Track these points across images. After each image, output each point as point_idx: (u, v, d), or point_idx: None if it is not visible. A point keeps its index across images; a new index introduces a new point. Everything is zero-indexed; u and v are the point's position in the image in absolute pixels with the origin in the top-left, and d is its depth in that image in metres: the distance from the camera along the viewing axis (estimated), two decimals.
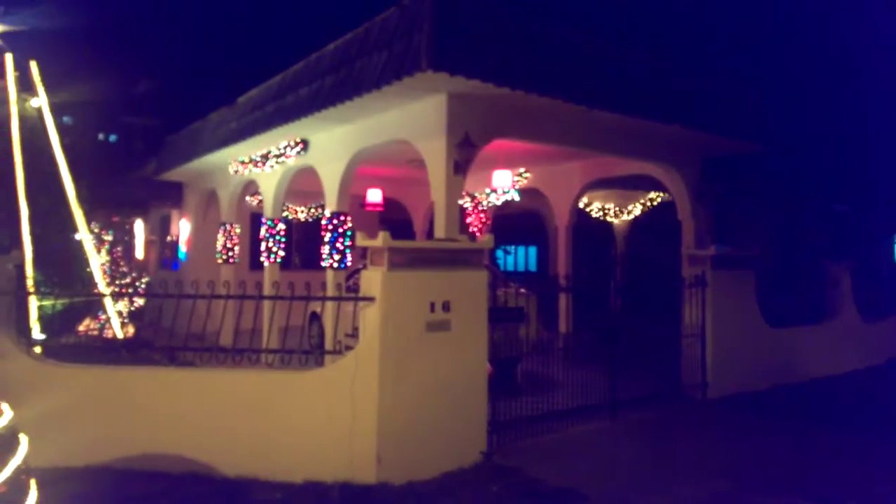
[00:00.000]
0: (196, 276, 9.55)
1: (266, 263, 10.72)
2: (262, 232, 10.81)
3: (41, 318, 7.28)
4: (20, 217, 7.60)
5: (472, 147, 6.81)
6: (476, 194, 12.41)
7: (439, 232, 6.81)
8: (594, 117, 7.72)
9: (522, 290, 7.50)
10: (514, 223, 16.93)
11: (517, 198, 10.60)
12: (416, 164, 9.82)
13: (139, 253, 18.74)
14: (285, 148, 9.93)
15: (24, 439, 2.52)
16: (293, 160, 9.97)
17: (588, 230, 13.91)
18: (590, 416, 6.55)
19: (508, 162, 10.59)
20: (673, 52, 8.67)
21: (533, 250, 19.18)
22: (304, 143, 9.59)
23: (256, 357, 6.00)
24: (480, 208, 11.89)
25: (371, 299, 4.99)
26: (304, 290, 5.37)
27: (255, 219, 14.27)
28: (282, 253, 10.73)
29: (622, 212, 14.66)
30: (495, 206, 11.75)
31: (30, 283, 7.10)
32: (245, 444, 5.06)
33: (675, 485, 4.93)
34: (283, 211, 11.43)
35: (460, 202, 8.52)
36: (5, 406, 2.52)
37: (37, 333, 7.13)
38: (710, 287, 7.96)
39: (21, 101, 8.25)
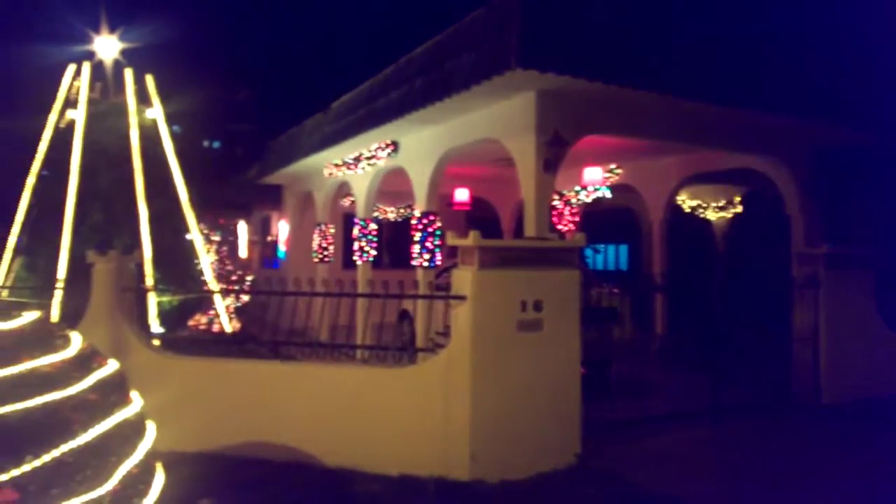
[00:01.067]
0: (295, 274, 9.99)
1: (359, 262, 11.07)
2: (355, 232, 11.17)
3: (159, 314, 7.90)
4: (140, 220, 8.27)
5: (562, 144, 6.71)
6: (565, 192, 12.22)
7: (529, 230, 6.77)
8: (692, 109, 7.39)
9: (615, 290, 7.30)
10: (604, 221, 16.50)
11: (608, 195, 10.34)
12: (504, 163, 9.80)
13: (243, 252, 19.88)
14: (376, 150, 10.21)
15: (151, 426, 2.73)
16: (383, 162, 10.23)
17: (684, 227, 13.32)
18: (689, 422, 6.28)
19: (599, 158, 10.34)
20: (776, 38, 8.11)
21: (624, 248, 18.60)
22: (395, 145, 9.82)
23: (352, 352, 6.22)
24: (570, 206, 11.69)
25: (462, 298, 5.03)
26: (395, 288, 5.50)
27: (348, 219, 14.78)
28: (373, 252, 11.05)
29: (722, 208, 13.92)
30: (585, 204, 11.51)
31: (149, 281, 7.73)
32: (343, 437, 5.24)
33: (783, 499, 4.64)
34: (374, 211, 11.76)
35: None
36: (135, 395, 2.74)
37: (155, 327, 7.74)
38: (823, 287, 7.42)
39: (139, 113, 8.97)
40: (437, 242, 9.00)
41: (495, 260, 5.04)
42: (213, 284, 9.14)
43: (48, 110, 8.89)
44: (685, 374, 6.39)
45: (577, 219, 11.70)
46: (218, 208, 15.93)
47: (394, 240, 17.02)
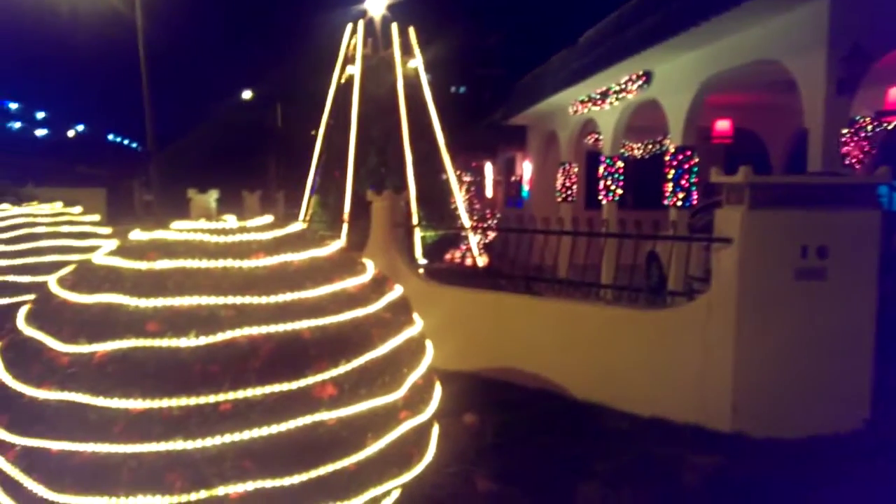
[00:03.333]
0: (537, 213, 10.22)
1: (604, 202, 10.82)
2: (601, 170, 10.89)
3: (422, 247, 8.76)
4: (406, 162, 9.14)
5: (862, 60, 5.59)
6: (858, 118, 10.26)
7: (813, 164, 5.87)
8: None
9: None
10: None
11: None
12: (777, 88, 8.55)
13: (488, 192, 20.83)
14: (626, 83, 9.69)
15: (429, 343, 3.07)
16: (634, 95, 9.68)
17: None
18: None
19: None
20: None
21: None
22: (647, 76, 9.20)
23: (597, 292, 6.19)
24: (863, 135, 9.81)
25: (727, 241, 4.61)
26: (647, 229, 5.25)
27: (591, 158, 14.44)
28: (619, 191, 10.68)
29: None
30: (885, 132, 9.55)
31: (415, 218, 8.57)
32: (591, 372, 5.30)
33: None
34: (620, 148, 11.28)
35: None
36: (416, 316, 3.09)
37: (420, 259, 8.61)
38: None
39: (403, 64, 9.76)
40: (693, 180, 8.33)
41: (769, 199, 4.48)
42: (466, 222, 9.79)
43: (332, 69, 10.18)
44: None
45: (873, 151, 9.80)
46: (468, 150, 16.84)
47: (638, 178, 16.21)
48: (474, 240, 9.91)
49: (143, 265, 2.49)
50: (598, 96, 10.69)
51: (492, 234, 12.19)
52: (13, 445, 2.29)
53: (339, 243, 3.05)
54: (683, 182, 8.36)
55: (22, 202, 6.70)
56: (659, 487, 3.73)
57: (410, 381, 2.65)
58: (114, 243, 2.87)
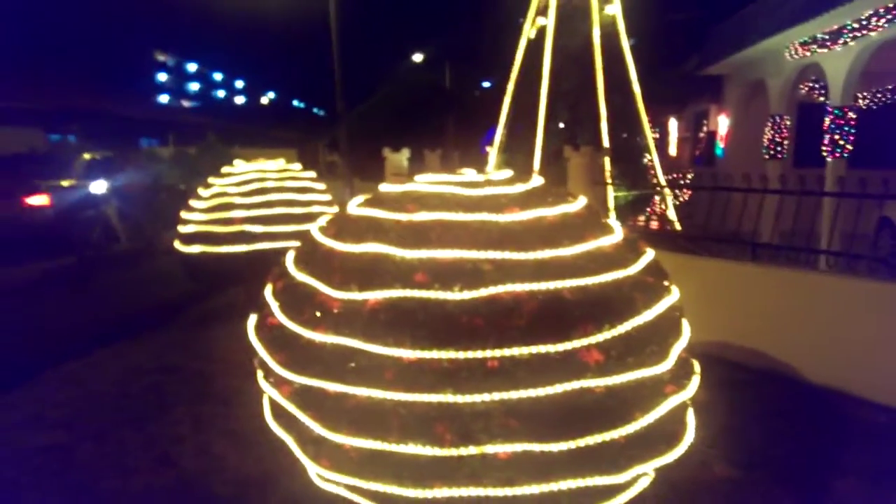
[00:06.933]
0: (735, 172, 9.13)
1: (829, 159, 9.43)
2: (826, 122, 9.47)
3: (616, 207, 8.30)
4: (600, 117, 8.65)
5: None
6: None
7: None
8: None
9: None
10: None
11: None
12: None
13: (672, 150, 19.36)
14: (870, 18, 8.20)
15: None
16: (878, 32, 8.17)
17: None
18: None
19: None
20: None
21: None
22: None
23: (812, 259, 5.37)
24: None
25: None
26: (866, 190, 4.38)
27: (803, 109, 12.69)
28: (850, 147, 9.23)
29: None
30: None
31: (607, 176, 8.11)
32: (829, 353, 4.65)
33: None
34: (853, 97, 9.69)
35: None
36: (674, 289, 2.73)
37: (613, 220, 8.18)
38: None
39: (598, 11, 9.15)
40: None
41: None
42: (662, 180, 9.11)
43: (513, 25, 9.86)
44: None
45: None
46: (653, 104, 15.64)
47: (870, 132, 13.94)
48: (671, 201, 9.19)
49: (402, 216, 2.49)
50: (828, 36, 9.20)
51: (686, 195, 11.28)
52: (289, 382, 2.44)
53: (583, 200, 2.85)
54: None
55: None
56: None
57: (675, 354, 2.41)
58: (360, 196, 2.94)
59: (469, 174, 2.82)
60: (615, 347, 2.21)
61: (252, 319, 2.82)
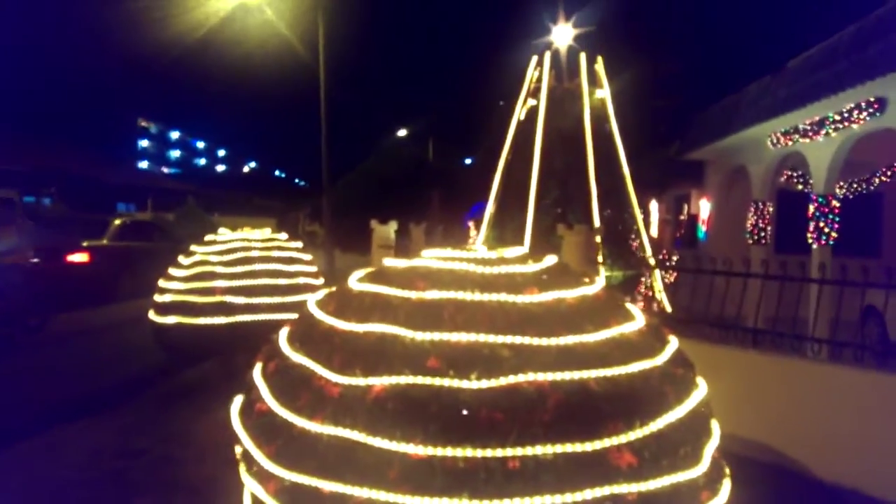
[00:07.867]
0: (717, 255, 9.16)
1: (815, 246, 9.52)
2: (811, 210, 9.62)
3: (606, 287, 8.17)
4: (590, 196, 8.69)
5: None
6: None
7: None
8: None
9: None
10: None
11: None
12: None
13: (654, 231, 19.62)
14: (851, 111, 8.50)
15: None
16: (859, 125, 8.45)
17: None
18: None
19: None
20: None
21: None
22: (880, 103, 7.98)
23: (810, 347, 5.28)
24: None
25: None
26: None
27: (782, 196, 13.00)
28: (834, 234, 9.35)
29: None
30: None
31: (599, 255, 8.04)
32: (839, 448, 4.43)
33: None
34: (835, 186, 9.91)
35: None
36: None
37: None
38: None
39: (589, 95, 9.40)
40: None
41: None
42: (651, 261, 9.06)
43: (514, 101, 10.09)
44: None
45: None
46: (637, 186, 15.94)
47: (847, 221, 14.26)
48: (661, 282, 9.12)
49: (411, 294, 2.30)
50: (810, 127, 9.51)
51: (672, 277, 11.25)
52: (278, 478, 2.15)
53: (602, 280, 2.70)
54: None
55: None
56: None
57: (708, 455, 2.18)
58: (362, 270, 2.75)
59: (481, 250, 2.65)
60: (648, 448, 1.99)
61: (236, 403, 2.54)
